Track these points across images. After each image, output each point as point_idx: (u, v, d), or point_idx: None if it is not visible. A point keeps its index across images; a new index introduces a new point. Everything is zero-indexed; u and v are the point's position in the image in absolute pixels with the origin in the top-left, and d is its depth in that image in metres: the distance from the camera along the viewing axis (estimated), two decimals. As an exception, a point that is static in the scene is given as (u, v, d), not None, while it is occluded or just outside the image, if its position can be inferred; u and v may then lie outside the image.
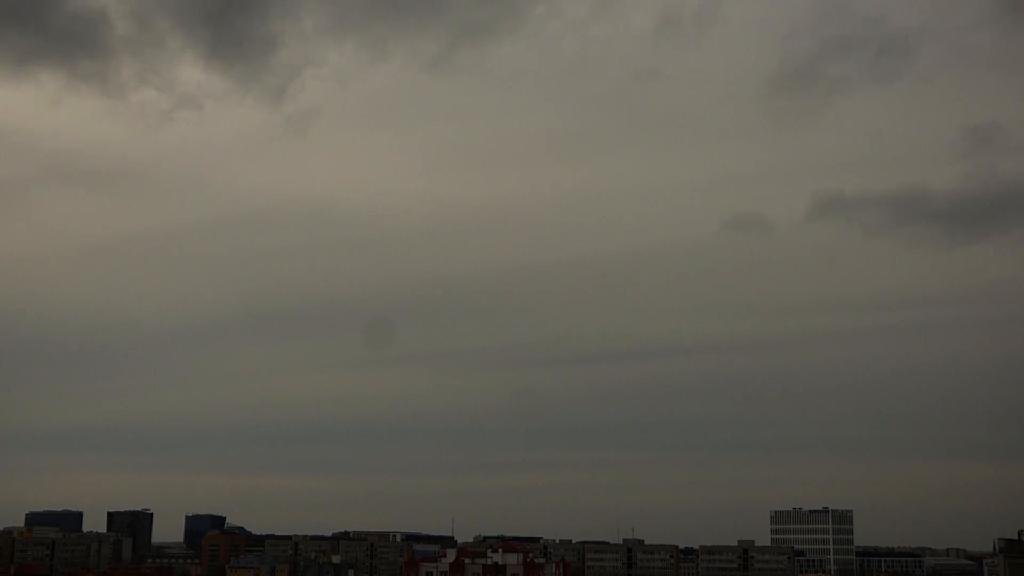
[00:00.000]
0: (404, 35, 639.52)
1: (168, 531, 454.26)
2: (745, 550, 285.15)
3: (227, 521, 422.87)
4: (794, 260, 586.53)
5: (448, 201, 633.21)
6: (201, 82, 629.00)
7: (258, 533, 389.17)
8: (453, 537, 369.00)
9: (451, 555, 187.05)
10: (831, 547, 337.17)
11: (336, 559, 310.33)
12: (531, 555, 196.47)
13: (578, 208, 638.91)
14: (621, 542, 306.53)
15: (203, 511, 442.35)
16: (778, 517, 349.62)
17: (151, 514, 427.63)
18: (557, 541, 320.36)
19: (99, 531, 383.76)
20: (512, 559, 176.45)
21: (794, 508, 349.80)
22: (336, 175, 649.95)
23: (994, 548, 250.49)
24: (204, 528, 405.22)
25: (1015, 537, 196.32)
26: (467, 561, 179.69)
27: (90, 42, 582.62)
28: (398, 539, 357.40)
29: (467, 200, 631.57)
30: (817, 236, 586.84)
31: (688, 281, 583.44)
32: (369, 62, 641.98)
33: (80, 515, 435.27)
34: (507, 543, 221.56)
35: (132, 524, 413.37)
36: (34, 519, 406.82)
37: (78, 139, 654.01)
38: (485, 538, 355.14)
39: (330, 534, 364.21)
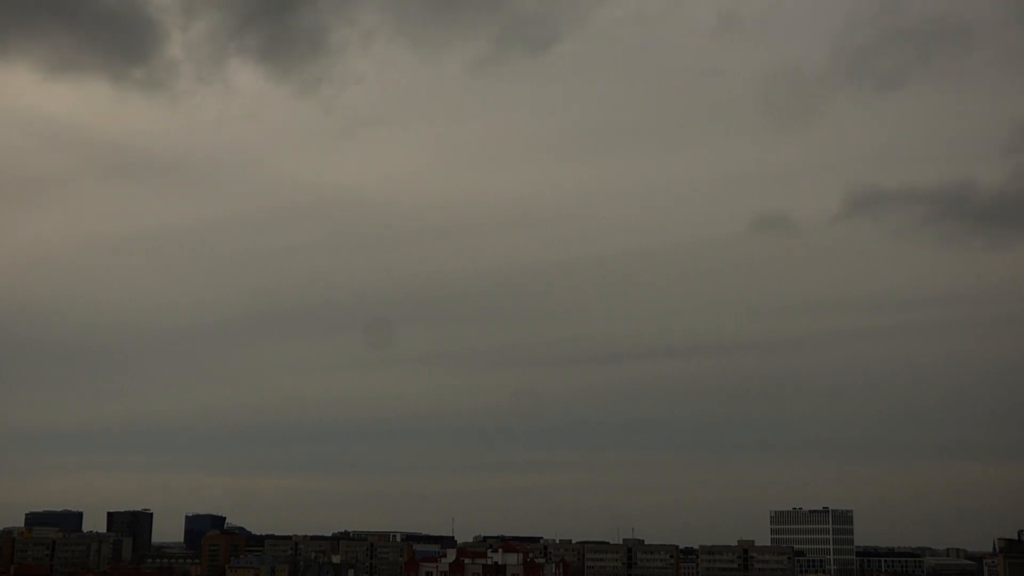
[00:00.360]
0: (453, 32, 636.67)
1: (168, 531, 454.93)
2: (745, 550, 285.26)
3: (227, 521, 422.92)
4: (813, 259, 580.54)
5: (461, 199, 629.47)
6: (241, 75, 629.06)
7: (258, 533, 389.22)
8: (453, 537, 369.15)
9: (451, 555, 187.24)
10: (831, 547, 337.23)
11: (336, 559, 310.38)
12: (531, 555, 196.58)
13: (592, 206, 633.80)
14: (621, 542, 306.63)
15: (203, 511, 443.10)
16: (778, 517, 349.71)
17: (151, 514, 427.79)
18: (557, 541, 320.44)
19: (99, 531, 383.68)
20: (512, 559, 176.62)
21: (794, 508, 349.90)
22: (351, 174, 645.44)
23: (994, 548, 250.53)
24: (204, 528, 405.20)
25: (1015, 537, 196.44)
26: (467, 561, 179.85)
27: (135, 34, 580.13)
28: (398, 539, 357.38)
29: (479, 198, 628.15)
30: (844, 235, 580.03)
31: (689, 281, 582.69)
32: (417, 59, 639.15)
33: (80, 515, 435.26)
34: (507, 543, 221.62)
35: (132, 524, 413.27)
36: (34, 519, 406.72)
37: (112, 131, 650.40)
38: (485, 538, 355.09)
39: (330, 534, 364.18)
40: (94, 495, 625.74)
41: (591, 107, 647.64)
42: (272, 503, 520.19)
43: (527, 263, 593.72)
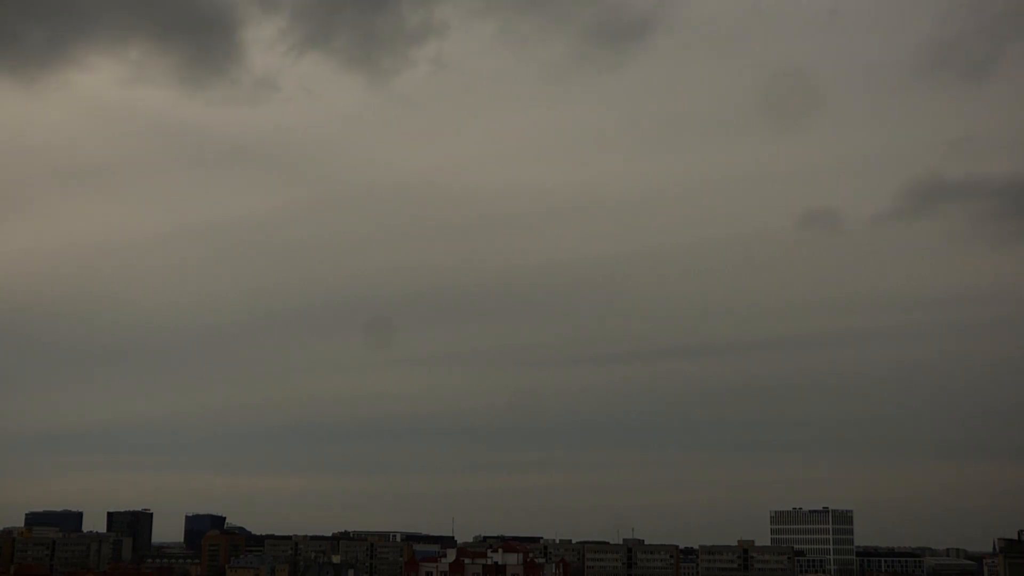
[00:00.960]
0: (546, 22, 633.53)
1: (168, 531, 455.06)
2: (745, 550, 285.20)
3: (227, 521, 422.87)
4: (833, 257, 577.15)
5: (470, 196, 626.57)
6: (308, 62, 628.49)
7: (258, 533, 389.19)
8: (453, 537, 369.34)
9: (451, 555, 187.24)
10: (831, 547, 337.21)
11: (336, 559, 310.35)
12: (531, 555, 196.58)
13: (601, 205, 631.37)
14: (621, 542, 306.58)
15: (203, 511, 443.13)
16: (778, 517, 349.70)
17: (151, 514, 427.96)
18: (557, 541, 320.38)
19: (99, 531, 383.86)
20: (512, 559, 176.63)
21: (794, 508, 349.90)
22: (377, 169, 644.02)
23: (994, 548, 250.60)
24: (204, 528, 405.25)
25: (1015, 537, 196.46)
26: (467, 561, 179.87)
27: (211, 23, 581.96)
28: (398, 539, 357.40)
29: (488, 195, 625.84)
30: (885, 231, 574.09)
31: (689, 282, 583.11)
32: (504, 50, 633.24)
33: (80, 515, 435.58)
34: (507, 543, 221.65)
35: (132, 524, 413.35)
36: (34, 519, 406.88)
37: (180, 120, 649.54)
38: (485, 538, 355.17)
39: (330, 534, 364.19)
40: (94, 495, 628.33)
41: (655, 102, 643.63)
42: (272, 503, 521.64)
43: (531, 262, 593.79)
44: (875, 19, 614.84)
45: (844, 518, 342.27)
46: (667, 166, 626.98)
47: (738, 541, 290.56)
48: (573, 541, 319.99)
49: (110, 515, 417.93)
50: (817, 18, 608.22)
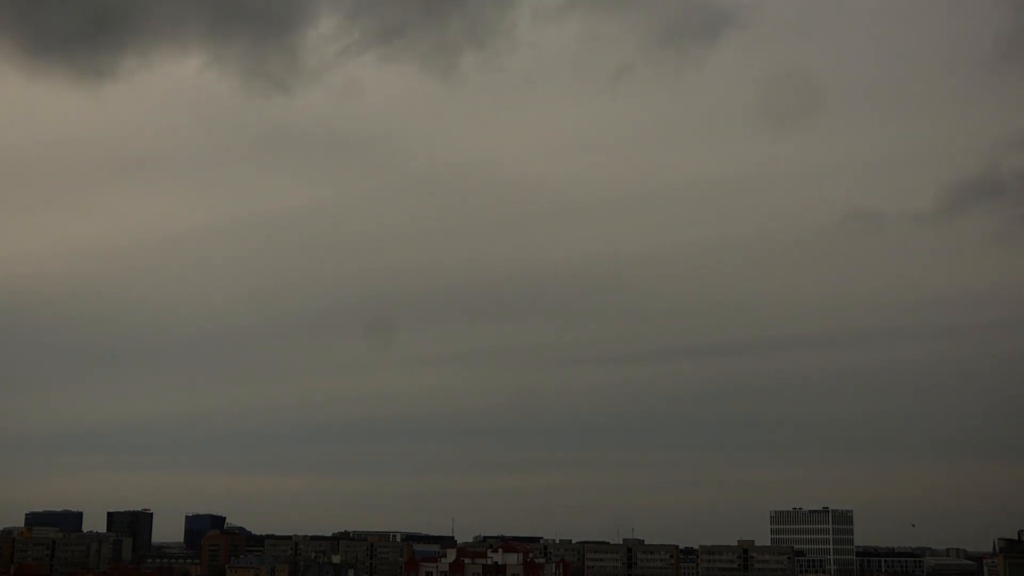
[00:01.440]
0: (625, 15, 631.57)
1: (168, 531, 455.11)
2: (745, 550, 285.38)
3: (227, 521, 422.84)
4: (827, 256, 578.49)
5: (476, 195, 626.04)
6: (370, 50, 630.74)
7: (258, 533, 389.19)
8: (453, 537, 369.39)
9: (451, 555, 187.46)
10: (831, 547, 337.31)
11: (336, 559, 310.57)
12: (531, 555, 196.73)
13: (608, 203, 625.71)
14: (621, 542, 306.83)
15: (203, 511, 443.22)
16: (778, 517, 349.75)
17: (151, 514, 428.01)
18: (557, 541, 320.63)
19: (99, 531, 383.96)
20: (512, 559, 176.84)
21: (794, 508, 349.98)
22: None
23: (994, 548, 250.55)
24: (204, 528, 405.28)
25: (1015, 537, 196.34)
26: (467, 561, 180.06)
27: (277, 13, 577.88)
28: (398, 539, 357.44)
29: (497, 194, 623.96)
30: (899, 229, 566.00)
31: (689, 281, 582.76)
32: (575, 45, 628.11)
33: (80, 515, 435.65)
34: (507, 543, 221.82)
35: (132, 524, 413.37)
36: (34, 519, 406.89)
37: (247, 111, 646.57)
38: (485, 538, 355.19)
39: (330, 534, 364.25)
40: (94, 495, 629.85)
41: (671, 103, 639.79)
42: (272, 503, 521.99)
43: (532, 262, 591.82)
44: (933, 16, 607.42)
45: (844, 518, 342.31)
46: (670, 166, 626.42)
47: (738, 541, 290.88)
48: (573, 541, 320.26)
49: (110, 515, 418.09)
50: (873, 13, 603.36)
